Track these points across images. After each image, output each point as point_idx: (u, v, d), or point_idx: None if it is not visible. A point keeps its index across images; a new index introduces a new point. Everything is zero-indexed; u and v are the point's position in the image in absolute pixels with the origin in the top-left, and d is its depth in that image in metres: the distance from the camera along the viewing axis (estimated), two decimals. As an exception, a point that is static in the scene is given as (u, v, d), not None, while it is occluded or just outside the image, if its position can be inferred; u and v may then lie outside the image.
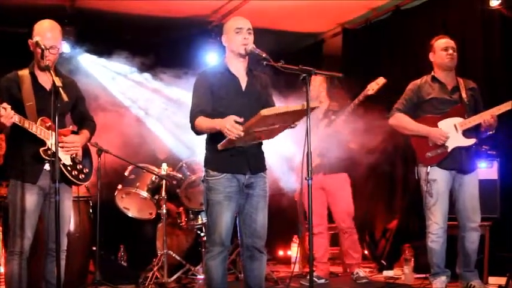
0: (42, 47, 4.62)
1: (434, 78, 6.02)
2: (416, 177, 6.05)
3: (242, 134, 4.42)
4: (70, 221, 5.35)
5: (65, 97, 4.36)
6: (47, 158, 4.75)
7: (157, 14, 8.67)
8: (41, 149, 4.75)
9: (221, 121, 4.51)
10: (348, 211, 7.02)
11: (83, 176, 5.13)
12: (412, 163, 6.72)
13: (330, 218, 7.22)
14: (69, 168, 4.96)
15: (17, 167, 4.83)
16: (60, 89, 4.34)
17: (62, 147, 4.87)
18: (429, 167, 5.84)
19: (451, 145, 5.82)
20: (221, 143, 4.59)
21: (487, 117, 5.72)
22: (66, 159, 4.96)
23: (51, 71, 4.50)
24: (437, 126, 5.86)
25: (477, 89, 6.07)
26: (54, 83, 4.36)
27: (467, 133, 5.84)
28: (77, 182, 5.06)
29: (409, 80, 6.23)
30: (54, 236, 4.50)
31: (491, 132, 5.86)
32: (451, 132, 5.82)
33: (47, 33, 4.77)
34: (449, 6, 7.60)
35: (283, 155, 7.07)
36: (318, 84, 6.97)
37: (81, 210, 6.56)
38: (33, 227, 4.82)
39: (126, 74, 9.17)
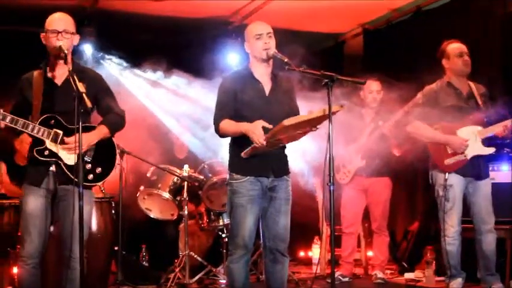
0: (60, 44, 4.54)
1: (449, 84, 6.00)
2: (431, 182, 6.07)
3: (265, 143, 4.47)
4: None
5: (88, 103, 4.21)
6: (41, 158, 4.58)
7: (178, 15, 8.71)
8: (35, 149, 4.58)
9: (248, 125, 4.57)
10: (382, 214, 7.13)
11: (92, 176, 4.76)
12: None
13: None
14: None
15: (24, 170, 4.73)
16: (83, 95, 4.19)
17: (66, 145, 4.63)
18: (447, 173, 5.85)
19: (470, 153, 5.83)
20: (245, 151, 4.64)
21: (504, 128, 5.73)
22: (69, 159, 4.63)
23: (75, 77, 4.30)
24: (455, 134, 5.87)
25: (487, 93, 6.07)
26: (77, 89, 4.22)
27: (485, 141, 5.86)
28: (84, 183, 4.44)
29: (430, 82, 6.19)
30: (68, 243, 4.47)
31: (508, 140, 5.87)
32: (470, 140, 5.83)
33: (57, 20, 4.67)
34: (470, 8, 7.55)
35: (305, 155, 7.10)
36: (374, 89, 7.07)
37: (103, 211, 6.58)
38: (40, 233, 4.59)
39: (146, 75, 9.19)
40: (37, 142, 4.61)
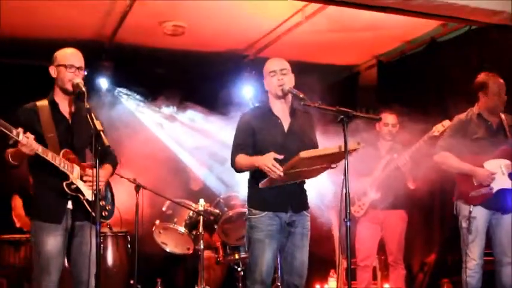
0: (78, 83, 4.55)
1: (480, 116, 5.97)
2: (455, 213, 6.03)
3: (282, 174, 4.47)
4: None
5: (106, 141, 4.25)
6: (70, 192, 4.53)
7: (193, 49, 8.74)
8: (65, 183, 4.52)
9: (261, 158, 4.60)
10: (398, 247, 7.07)
11: (106, 213, 4.93)
12: (450, 196, 6.70)
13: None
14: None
15: (39, 206, 4.61)
16: (101, 132, 4.23)
17: (85, 181, 4.62)
18: (472, 206, 5.81)
19: (496, 186, 5.80)
20: (262, 182, 4.66)
21: None
22: (89, 195, 4.64)
23: (92, 115, 4.34)
24: (482, 166, 5.84)
25: None
26: (95, 127, 4.26)
27: None
28: (100, 219, 4.57)
29: (445, 113, 6.19)
30: (85, 278, 4.47)
31: None
32: (497, 173, 5.80)
33: (72, 56, 4.70)
34: (485, 39, 7.52)
35: (321, 188, 7.09)
36: (390, 122, 7.06)
37: (119, 245, 6.60)
38: (58, 271, 4.56)
39: (162, 109, 9.23)
40: (62, 176, 4.56)
